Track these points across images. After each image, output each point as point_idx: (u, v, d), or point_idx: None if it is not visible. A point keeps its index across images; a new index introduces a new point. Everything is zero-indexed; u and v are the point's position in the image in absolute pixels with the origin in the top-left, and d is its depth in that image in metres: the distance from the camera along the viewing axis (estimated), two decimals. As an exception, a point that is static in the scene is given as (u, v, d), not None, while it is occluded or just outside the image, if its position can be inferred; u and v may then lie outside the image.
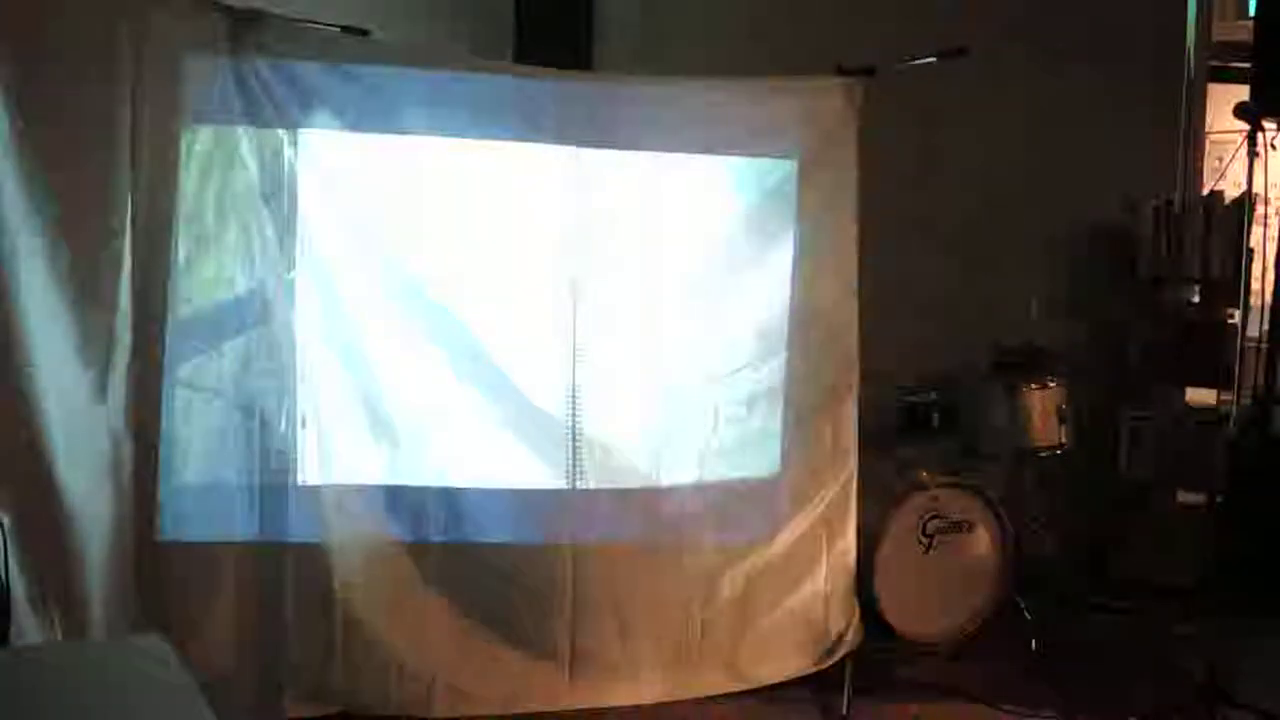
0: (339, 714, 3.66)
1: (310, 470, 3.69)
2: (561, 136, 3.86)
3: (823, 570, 4.18)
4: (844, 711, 3.92)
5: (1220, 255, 5.04)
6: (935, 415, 4.63)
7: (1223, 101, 5.03)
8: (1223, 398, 4.95)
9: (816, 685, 4.06)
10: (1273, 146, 3.96)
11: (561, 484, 3.96)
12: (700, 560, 4.07)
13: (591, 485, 3.99)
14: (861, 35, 4.56)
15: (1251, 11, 5.10)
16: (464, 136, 3.81)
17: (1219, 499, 4.62)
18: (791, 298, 4.10)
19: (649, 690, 3.97)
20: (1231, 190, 4.97)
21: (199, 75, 3.43)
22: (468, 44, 4.59)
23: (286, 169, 3.58)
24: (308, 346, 3.66)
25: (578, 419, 3.95)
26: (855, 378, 4.17)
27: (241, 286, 3.58)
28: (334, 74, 3.61)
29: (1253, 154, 3.88)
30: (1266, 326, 4.63)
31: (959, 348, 4.78)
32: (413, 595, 3.80)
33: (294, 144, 3.58)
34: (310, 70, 3.58)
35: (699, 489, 4.07)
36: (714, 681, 4.04)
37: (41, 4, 3.21)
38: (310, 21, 3.63)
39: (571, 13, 4.71)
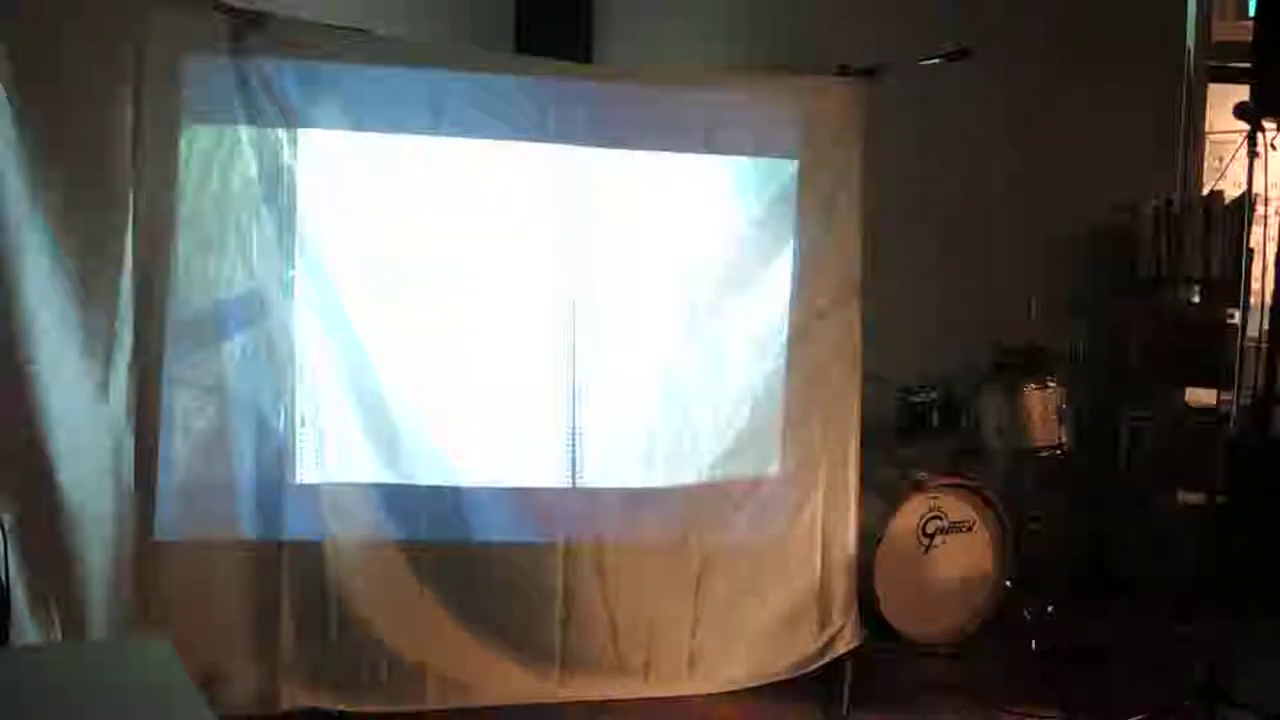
0: (335, 709, 3.67)
1: (308, 469, 3.70)
2: (562, 135, 3.87)
3: (822, 570, 4.18)
4: (844, 711, 3.92)
5: (1220, 255, 5.04)
6: (935, 415, 4.63)
7: (1223, 101, 5.03)
8: (1223, 398, 4.95)
9: (817, 685, 4.05)
10: (1273, 146, 3.96)
11: (561, 483, 3.97)
12: (698, 559, 4.07)
13: (591, 484, 3.99)
14: (863, 36, 4.57)
15: (1251, 11, 5.09)
16: (464, 136, 3.81)
17: (1219, 499, 4.62)
18: (792, 297, 4.11)
19: (643, 688, 3.97)
20: (1231, 190, 4.97)
21: (199, 75, 3.43)
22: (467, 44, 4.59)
23: (286, 169, 3.58)
24: (306, 345, 3.67)
25: (578, 418, 3.95)
26: (856, 377, 4.17)
27: (241, 286, 3.58)
28: (334, 74, 3.61)
29: (1253, 154, 3.87)
30: (1266, 326, 4.62)
31: (959, 348, 4.78)
32: (409, 592, 3.80)
33: (294, 144, 3.59)
34: (310, 70, 3.58)
35: (698, 488, 4.07)
36: (711, 680, 4.04)
37: (42, 4, 3.22)
38: (310, 21, 3.63)
39: (571, 13, 4.71)
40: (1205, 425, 4.96)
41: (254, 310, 3.60)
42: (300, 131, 3.59)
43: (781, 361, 4.12)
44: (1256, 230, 4.77)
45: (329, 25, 3.65)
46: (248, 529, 3.63)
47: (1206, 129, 5.44)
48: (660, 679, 4.01)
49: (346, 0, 4.06)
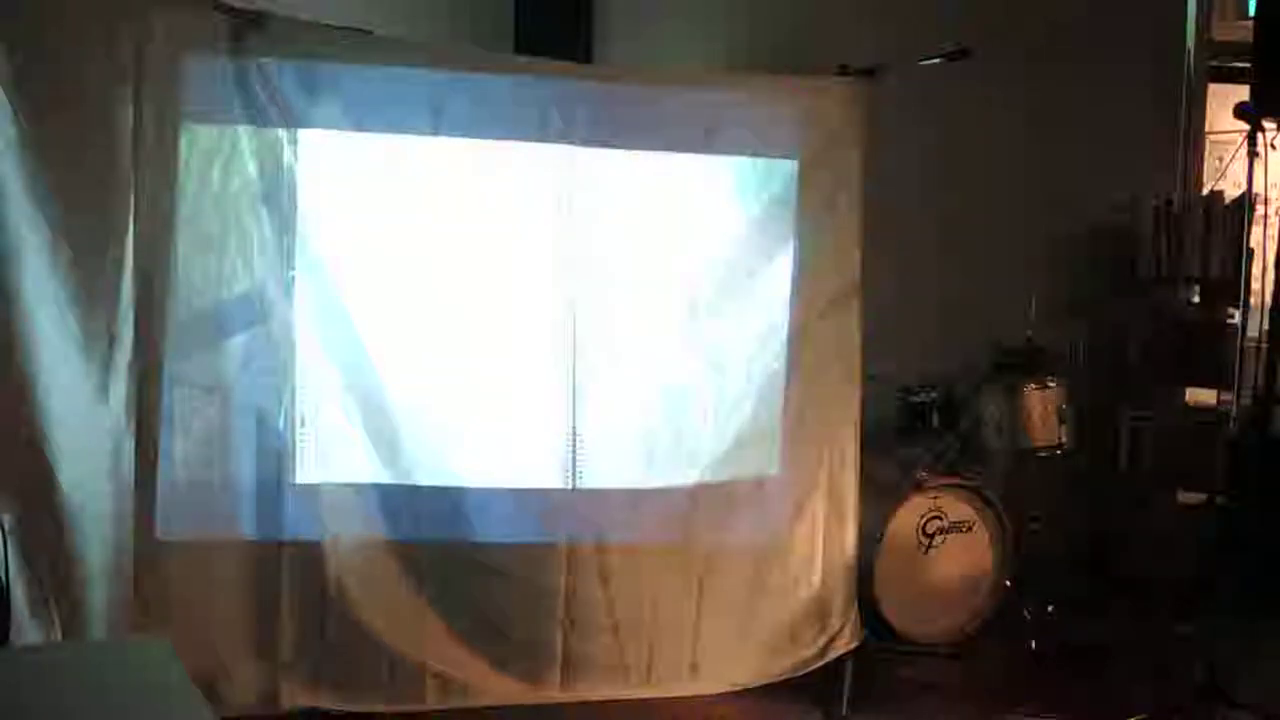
0: (334, 709, 3.67)
1: (308, 469, 3.70)
2: (562, 136, 3.86)
3: (822, 570, 4.18)
4: (844, 711, 3.92)
5: (1220, 255, 5.04)
6: (935, 415, 4.63)
7: (1223, 101, 5.04)
8: (1223, 398, 4.95)
9: (817, 685, 4.05)
10: (1273, 146, 3.96)
11: (562, 483, 3.97)
12: (699, 560, 4.07)
13: (591, 485, 3.99)
14: (863, 36, 4.57)
15: (1251, 11, 5.09)
16: (464, 136, 3.80)
17: (1219, 499, 4.62)
18: (792, 297, 4.10)
19: (645, 689, 3.98)
20: (1231, 190, 4.97)
21: (199, 75, 3.43)
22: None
23: (286, 169, 3.58)
24: (307, 346, 3.67)
25: (578, 418, 3.95)
26: (856, 377, 4.17)
27: (241, 286, 3.58)
28: (334, 74, 3.61)
29: (1253, 154, 3.87)
30: (1266, 326, 4.62)
31: (959, 348, 4.78)
32: (408, 593, 3.80)
33: (294, 144, 3.58)
34: (310, 70, 3.58)
35: (699, 489, 4.07)
36: (712, 680, 4.04)
37: (42, 4, 3.22)
38: (310, 21, 3.63)
39: (571, 13, 4.71)
40: (1205, 425, 4.96)
41: (254, 310, 3.59)
42: (300, 131, 3.58)
43: (781, 361, 4.12)
44: (1256, 230, 4.77)
45: (329, 25, 3.65)
46: (248, 529, 3.64)
47: (1206, 129, 5.44)
48: (661, 680, 4.01)
49: (346, 0, 4.05)
